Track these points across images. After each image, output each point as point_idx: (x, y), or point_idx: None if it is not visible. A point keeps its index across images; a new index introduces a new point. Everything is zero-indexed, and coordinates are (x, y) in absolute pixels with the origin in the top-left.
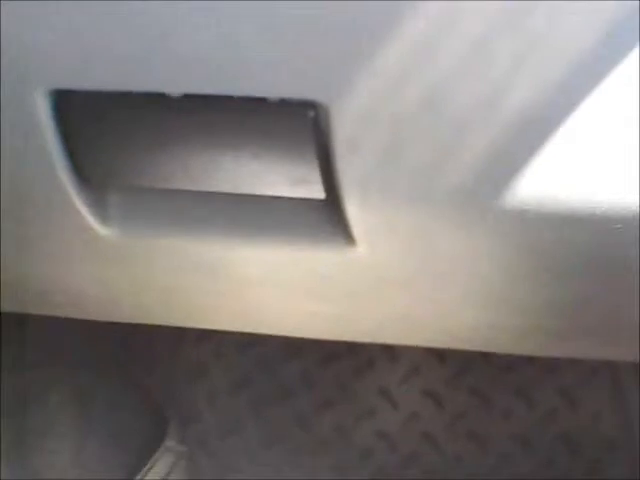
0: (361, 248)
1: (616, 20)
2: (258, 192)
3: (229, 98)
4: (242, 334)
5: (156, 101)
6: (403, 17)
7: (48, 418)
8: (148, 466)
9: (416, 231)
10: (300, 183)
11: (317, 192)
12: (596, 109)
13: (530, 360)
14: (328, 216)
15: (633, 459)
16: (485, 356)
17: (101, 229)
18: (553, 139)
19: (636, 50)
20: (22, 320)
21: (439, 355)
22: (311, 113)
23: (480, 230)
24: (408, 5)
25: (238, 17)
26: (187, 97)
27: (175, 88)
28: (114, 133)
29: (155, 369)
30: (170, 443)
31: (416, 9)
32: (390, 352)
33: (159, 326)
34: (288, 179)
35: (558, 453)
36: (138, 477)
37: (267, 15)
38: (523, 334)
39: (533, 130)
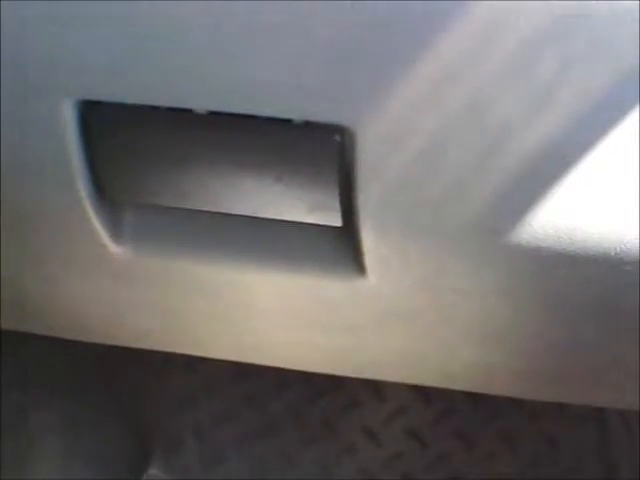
0: (371, 279)
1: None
2: (275, 217)
3: (255, 118)
4: (231, 367)
5: (181, 117)
6: (433, 44)
7: (31, 443)
8: None
9: (428, 264)
10: (318, 209)
11: (334, 219)
12: (617, 148)
13: (516, 404)
14: (342, 244)
15: None
16: (471, 399)
17: (114, 247)
18: (572, 176)
19: None
20: (10, 337)
21: (425, 396)
22: (337, 137)
23: (492, 265)
24: (438, 31)
25: (268, 38)
26: (213, 115)
27: (201, 104)
28: (137, 149)
29: (142, 397)
30: (153, 472)
31: (445, 36)
32: (376, 390)
33: (148, 353)
34: (307, 204)
35: None
36: None
37: (297, 38)
38: (518, 376)
39: (552, 166)
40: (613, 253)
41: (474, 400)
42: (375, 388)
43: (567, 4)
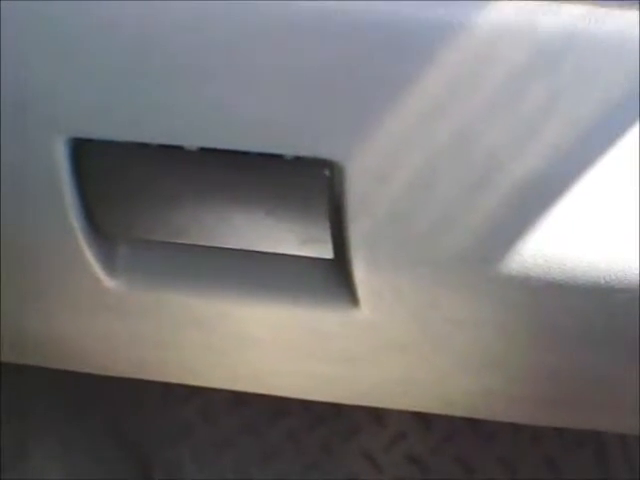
0: (365, 310)
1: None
2: (267, 249)
3: (245, 154)
4: (230, 394)
5: (172, 154)
6: (419, 78)
7: (32, 471)
8: None
9: (421, 294)
10: (309, 242)
11: (325, 252)
12: (605, 178)
13: (515, 429)
14: (334, 276)
15: None
16: (471, 424)
17: (108, 281)
18: (560, 206)
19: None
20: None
21: (425, 422)
22: (326, 172)
23: (484, 295)
24: (425, 65)
25: (257, 74)
26: (203, 151)
27: (192, 141)
28: (129, 185)
29: (141, 425)
30: None
31: (432, 69)
32: (377, 417)
33: (148, 382)
34: (298, 237)
35: None
36: None
37: (285, 75)
38: (516, 401)
39: (540, 197)
40: (603, 281)
41: (474, 425)
42: (375, 414)
43: (553, 36)
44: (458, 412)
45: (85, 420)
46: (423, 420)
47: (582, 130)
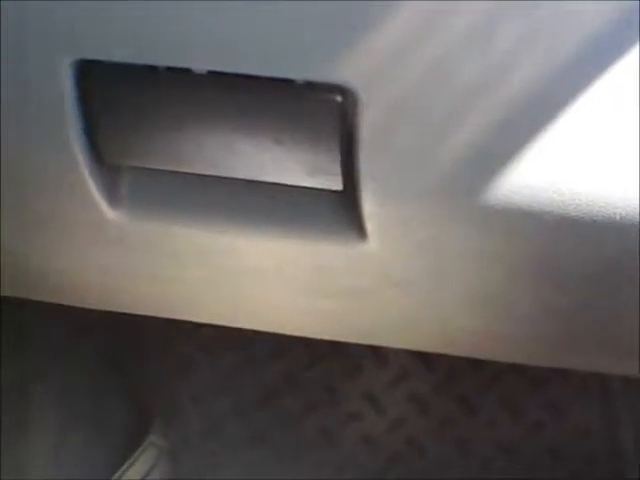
0: (372, 244)
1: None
2: (275, 180)
3: (255, 78)
4: (230, 334)
5: (180, 78)
6: (441, 11)
7: (30, 410)
8: (131, 461)
9: (429, 229)
10: (318, 172)
11: (334, 183)
12: (601, 106)
13: (519, 371)
14: (342, 209)
15: (619, 474)
16: (474, 364)
17: (109, 211)
18: (574, 139)
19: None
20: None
21: (427, 361)
22: (339, 98)
23: (490, 229)
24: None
25: None
26: (212, 74)
27: (200, 64)
28: (134, 110)
29: (141, 365)
30: (153, 438)
31: (452, 5)
32: (378, 356)
33: (148, 321)
34: (307, 168)
35: (542, 464)
36: (120, 472)
37: None
38: (518, 342)
39: (552, 127)
40: (618, 217)
41: (476, 365)
42: (376, 353)
43: None
44: (459, 352)
45: (84, 360)
46: (425, 360)
47: (577, 53)
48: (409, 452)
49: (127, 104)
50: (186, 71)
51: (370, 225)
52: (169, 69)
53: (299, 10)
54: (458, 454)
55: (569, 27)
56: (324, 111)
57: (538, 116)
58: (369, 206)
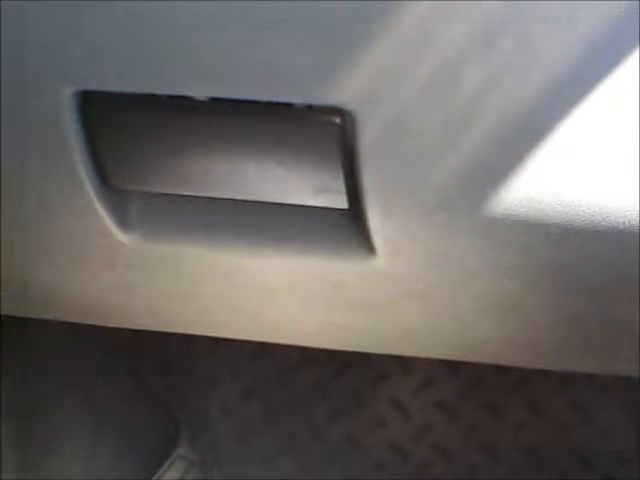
0: (382, 259)
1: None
2: (281, 200)
3: (256, 103)
4: (256, 344)
5: (182, 105)
6: (435, 28)
7: (61, 424)
8: (160, 473)
9: (439, 243)
10: (323, 192)
11: (340, 202)
12: (601, 118)
13: (544, 374)
14: (350, 226)
15: None
16: (498, 369)
17: (121, 235)
18: (579, 151)
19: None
20: (36, 324)
21: (452, 367)
22: (337, 120)
23: (502, 242)
24: (441, 15)
25: (267, 21)
26: (214, 101)
27: (202, 91)
28: (139, 137)
29: (169, 376)
30: (182, 450)
31: (447, 21)
32: (403, 364)
33: (173, 334)
34: (312, 188)
35: (570, 467)
36: None
37: (297, 20)
38: (538, 348)
39: (559, 143)
40: (622, 226)
41: (501, 370)
42: (401, 361)
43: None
44: (481, 358)
45: (113, 374)
46: (450, 366)
47: (571, 67)
48: (437, 459)
49: (131, 132)
50: (188, 98)
51: (378, 241)
52: (171, 97)
53: (296, 37)
54: (486, 460)
55: (567, 35)
56: (324, 133)
57: (537, 129)
58: (375, 223)
